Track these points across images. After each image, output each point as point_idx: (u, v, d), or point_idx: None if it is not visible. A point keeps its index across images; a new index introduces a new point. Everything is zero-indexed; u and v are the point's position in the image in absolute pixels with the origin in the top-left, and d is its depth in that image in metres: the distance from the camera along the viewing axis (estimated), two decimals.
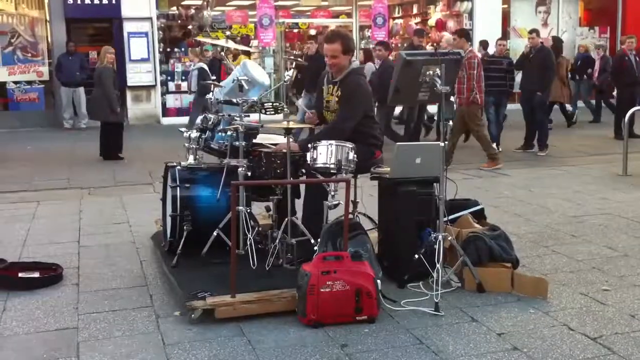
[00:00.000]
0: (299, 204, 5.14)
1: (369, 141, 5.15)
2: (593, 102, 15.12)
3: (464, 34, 10.11)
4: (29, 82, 15.93)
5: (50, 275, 4.96)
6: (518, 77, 11.75)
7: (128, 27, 15.39)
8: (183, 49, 16.56)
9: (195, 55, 14.57)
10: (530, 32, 11.11)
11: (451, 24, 17.96)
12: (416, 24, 18.54)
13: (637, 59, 12.49)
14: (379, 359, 3.62)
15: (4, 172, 9.85)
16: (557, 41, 13.54)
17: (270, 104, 5.64)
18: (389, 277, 4.67)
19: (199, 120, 5.34)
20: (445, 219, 4.64)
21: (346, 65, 5.12)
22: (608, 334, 3.89)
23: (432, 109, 13.03)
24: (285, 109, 5.28)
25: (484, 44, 12.51)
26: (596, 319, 4.11)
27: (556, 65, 11.87)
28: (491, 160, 9.49)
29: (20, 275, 4.93)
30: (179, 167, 5.24)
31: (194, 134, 5.45)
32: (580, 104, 15.11)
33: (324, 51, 5.27)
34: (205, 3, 17.19)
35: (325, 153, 4.69)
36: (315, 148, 4.72)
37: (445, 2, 18.42)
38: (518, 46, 15.66)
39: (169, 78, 16.20)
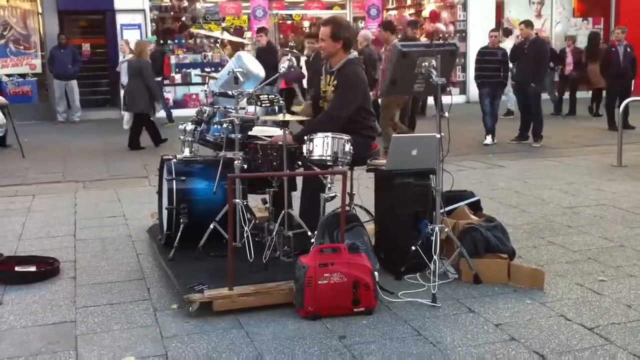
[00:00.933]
0: (296, 196, 5.14)
1: (365, 132, 5.14)
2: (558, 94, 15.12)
3: (389, 27, 10.04)
4: (22, 75, 15.87)
5: (47, 269, 4.95)
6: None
7: (121, 19, 15.31)
8: (176, 41, 16.50)
9: (127, 46, 13.69)
10: (521, 23, 11.12)
11: (445, 15, 17.95)
12: (410, 15, 18.51)
13: (628, 50, 12.51)
14: (377, 351, 3.63)
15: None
16: (596, 36, 13.76)
17: (266, 96, 5.63)
18: (386, 268, 4.69)
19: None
20: (442, 210, 4.65)
21: (335, 53, 5.06)
22: (605, 324, 3.91)
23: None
24: (281, 101, 5.26)
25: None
26: (593, 309, 4.13)
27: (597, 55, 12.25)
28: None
29: (16, 269, 4.92)
30: (174, 160, 5.23)
31: (190, 126, 5.44)
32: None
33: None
34: None
35: (321, 145, 4.69)
36: (311, 140, 4.71)
37: None
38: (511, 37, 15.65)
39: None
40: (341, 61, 5.08)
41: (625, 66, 12.45)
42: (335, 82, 5.05)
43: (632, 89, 12.78)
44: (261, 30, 12.79)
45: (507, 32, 12.31)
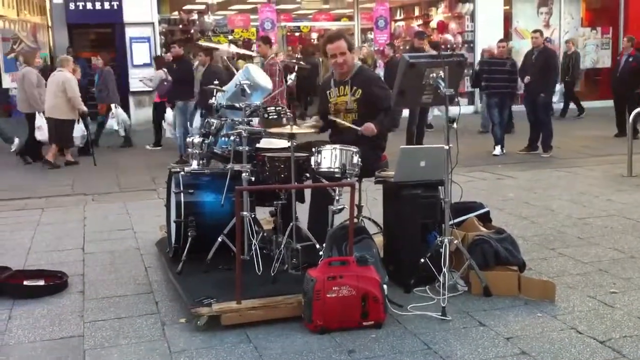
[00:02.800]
0: (304, 208, 5.12)
1: (376, 143, 5.16)
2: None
3: (267, 41, 10.06)
4: None
5: (55, 282, 4.95)
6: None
7: (130, 32, 15.41)
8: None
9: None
10: (534, 31, 11.11)
11: (453, 25, 17.96)
12: (418, 26, 18.54)
13: (630, 59, 12.70)
14: None
15: (8, 179, 9.86)
16: None
17: (273, 108, 5.62)
18: (395, 281, 4.65)
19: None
20: (451, 222, 4.62)
21: (353, 64, 5.17)
22: (617, 337, 3.86)
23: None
24: (288, 114, 5.25)
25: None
26: (604, 321, 4.08)
27: None
28: None
29: (25, 283, 4.93)
30: (182, 173, 5.23)
31: (197, 139, 5.44)
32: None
33: (329, 52, 5.25)
34: (206, 7, 17.20)
35: (329, 157, 4.68)
36: (319, 152, 4.71)
37: (447, 4, 18.42)
38: (521, 47, 15.61)
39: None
40: (354, 69, 5.16)
41: (623, 75, 12.63)
42: (360, 90, 5.10)
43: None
44: (175, 42, 12.59)
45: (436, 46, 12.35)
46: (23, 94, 11.35)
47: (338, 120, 5.20)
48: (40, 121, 11.11)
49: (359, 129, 5.00)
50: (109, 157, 11.84)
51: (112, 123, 12.34)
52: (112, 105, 12.41)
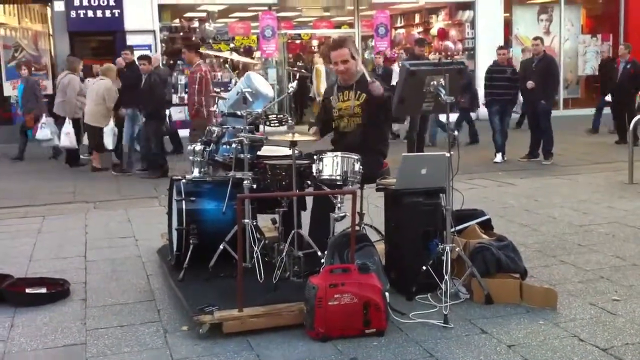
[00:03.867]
0: (305, 216, 5.12)
1: (378, 149, 5.17)
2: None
3: (194, 47, 9.84)
4: None
5: (57, 290, 4.96)
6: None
7: (131, 39, 15.41)
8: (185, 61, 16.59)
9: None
10: (535, 38, 11.14)
11: (453, 32, 17.99)
12: (418, 33, 18.57)
13: (628, 66, 12.79)
14: None
15: (9, 186, 9.87)
16: None
17: (274, 115, 5.63)
18: (397, 289, 4.65)
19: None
20: (453, 229, 4.62)
21: (357, 70, 5.18)
22: (619, 344, 3.86)
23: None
24: (290, 121, 5.26)
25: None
26: (606, 329, 4.08)
27: None
28: None
29: (27, 291, 4.93)
30: (184, 181, 5.24)
31: (199, 146, 5.45)
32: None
33: (332, 59, 5.27)
34: (207, 15, 17.24)
35: (331, 165, 4.68)
36: (320, 160, 4.72)
37: (447, 12, 18.47)
38: (520, 54, 15.63)
39: (172, 91, 16.17)
40: (358, 74, 5.18)
41: (621, 82, 12.73)
42: (361, 93, 5.11)
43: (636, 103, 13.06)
44: (128, 48, 12.24)
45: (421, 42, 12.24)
46: (61, 98, 11.70)
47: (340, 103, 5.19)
48: (69, 127, 11.45)
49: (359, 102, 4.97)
50: (108, 164, 11.83)
51: (45, 133, 12.08)
52: (43, 115, 12.30)
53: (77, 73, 12.24)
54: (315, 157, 4.79)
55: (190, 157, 5.50)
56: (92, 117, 11.04)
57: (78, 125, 11.78)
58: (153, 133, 10.36)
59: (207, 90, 9.06)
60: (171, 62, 16.44)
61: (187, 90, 9.51)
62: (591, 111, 14.94)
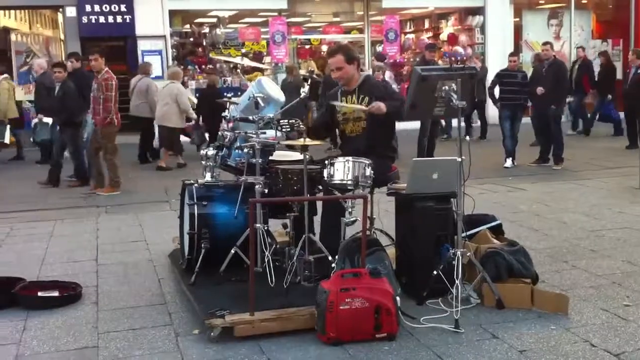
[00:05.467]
0: (316, 220, 5.14)
1: (386, 153, 5.19)
2: None
3: (103, 54, 9.53)
4: None
5: (69, 294, 4.98)
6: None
7: (142, 45, 15.51)
8: (196, 67, 16.67)
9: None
10: (544, 44, 11.13)
11: (463, 38, 17.98)
12: (428, 38, 18.58)
13: (638, 71, 12.72)
14: None
15: (21, 190, 9.93)
16: None
17: (286, 121, 5.64)
18: (408, 293, 4.66)
19: None
20: (463, 234, 4.62)
21: (355, 74, 5.20)
22: (630, 350, 3.85)
23: None
24: (301, 126, 5.28)
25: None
26: (618, 334, 4.07)
27: None
28: (111, 186, 9.47)
29: (39, 294, 4.96)
30: (196, 185, 5.26)
31: (211, 151, 5.47)
32: None
33: (329, 67, 5.31)
34: (218, 21, 17.31)
35: (342, 169, 4.70)
36: (332, 164, 4.73)
37: (456, 17, 18.46)
38: (529, 60, 15.61)
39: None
40: (360, 78, 5.22)
41: (632, 87, 12.65)
42: (364, 97, 5.12)
43: None
44: (72, 55, 11.45)
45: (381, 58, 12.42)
46: (140, 100, 12.22)
47: (343, 104, 5.20)
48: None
49: (364, 108, 5.00)
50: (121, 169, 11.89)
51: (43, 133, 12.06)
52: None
53: (150, 76, 12.82)
54: (326, 161, 4.80)
55: (203, 162, 5.53)
56: (163, 118, 11.63)
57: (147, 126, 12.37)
58: (70, 141, 10.14)
59: (115, 97, 9.04)
60: (182, 67, 16.49)
61: (93, 95, 9.16)
62: None
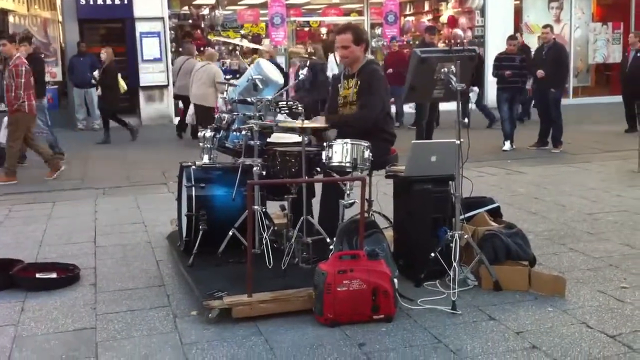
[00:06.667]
0: (315, 202, 5.14)
1: (383, 136, 5.17)
2: None
3: (13, 39, 9.40)
4: None
5: (67, 275, 4.99)
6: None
7: (140, 27, 15.44)
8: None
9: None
10: (544, 26, 11.08)
11: (463, 20, 17.89)
12: (428, 21, 18.50)
13: (638, 54, 12.64)
14: (397, 358, 3.61)
15: (19, 172, 9.90)
16: None
17: (284, 103, 5.62)
18: (405, 275, 4.67)
19: None
20: (461, 217, 4.62)
21: (360, 57, 5.18)
22: (627, 331, 3.86)
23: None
24: (300, 108, 5.26)
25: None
26: (615, 316, 4.08)
27: None
28: (5, 174, 9.13)
29: (37, 275, 4.96)
30: (193, 167, 5.25)
31: (209, 133, 5.46)
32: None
33: (335, 43, 5.28)
34: (216, 2, 17.22)
35: (340, 151, 4.68)
36: (330, 146, 4.72)
37: None
38: (530, 42, 15.53)
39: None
40: (361, 63, 5.18)
41: (632, 71, 12.51)
42: (359, 82, 5.12)
43: None
44: (24, 39, 10.93)
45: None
46: (185, 80, 12.39)
47: (285, 121, 5.18)
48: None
49: (299, 126, 4.80)
50: (118, 150, 11.89)
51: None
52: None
53: (194, 57, 13.23)
54: (325, 143, 4.79)
55: (200, 144, 5.52)
56: (201, 98, 11.78)
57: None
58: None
59: (26, 83, 8.77)
60: (180, 49, 16.42)
61: (5, 83, 8.86)
62: (602, 99, 14.89)
